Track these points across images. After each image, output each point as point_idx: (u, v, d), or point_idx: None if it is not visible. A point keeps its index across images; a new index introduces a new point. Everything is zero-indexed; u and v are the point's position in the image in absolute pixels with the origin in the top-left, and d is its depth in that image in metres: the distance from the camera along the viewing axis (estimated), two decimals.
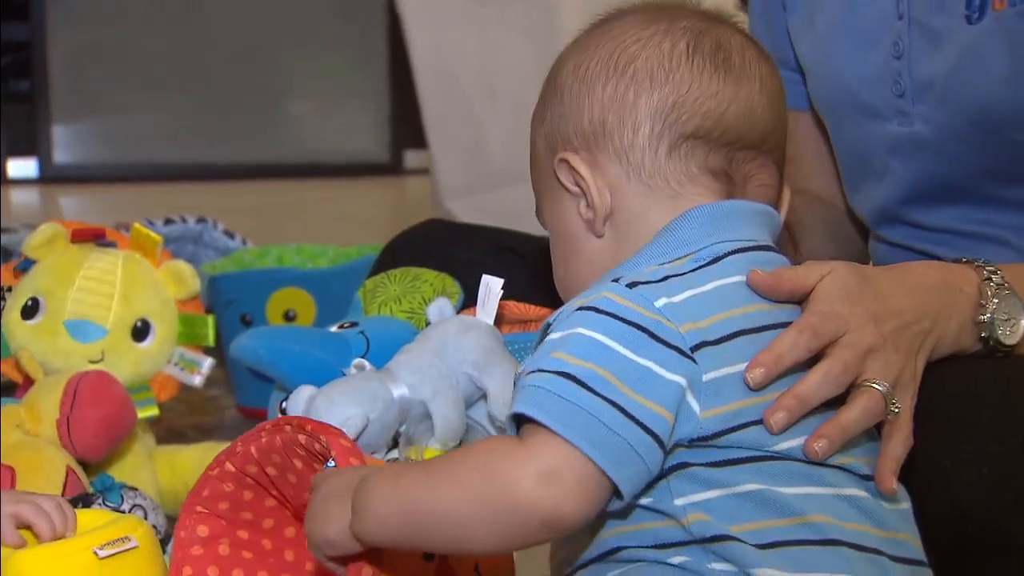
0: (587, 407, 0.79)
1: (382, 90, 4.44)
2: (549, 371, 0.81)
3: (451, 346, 1.15)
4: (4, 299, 1.39)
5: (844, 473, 0.84)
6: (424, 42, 2.91)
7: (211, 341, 1.46)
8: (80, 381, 1.34)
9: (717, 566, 0.81)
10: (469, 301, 1.30)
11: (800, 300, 0.88)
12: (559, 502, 0.78)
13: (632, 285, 0.84)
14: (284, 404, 1.22)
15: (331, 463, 0.88)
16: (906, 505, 0.87)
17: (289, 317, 1.82)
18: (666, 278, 0.85)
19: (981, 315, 0.94)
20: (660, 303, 0.83)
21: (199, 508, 0.99)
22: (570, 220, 0.94)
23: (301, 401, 1.13)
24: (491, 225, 1.43)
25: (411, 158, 4.38)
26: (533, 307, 1.26)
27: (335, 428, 0.92)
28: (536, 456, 0.79)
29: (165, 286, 1.44)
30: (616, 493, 0.80)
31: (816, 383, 0.84)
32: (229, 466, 0.97)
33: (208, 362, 1.47)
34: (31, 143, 4.18)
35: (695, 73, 0.90)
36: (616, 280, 0.85)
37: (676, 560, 0.82)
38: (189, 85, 4.32)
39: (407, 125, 4.13)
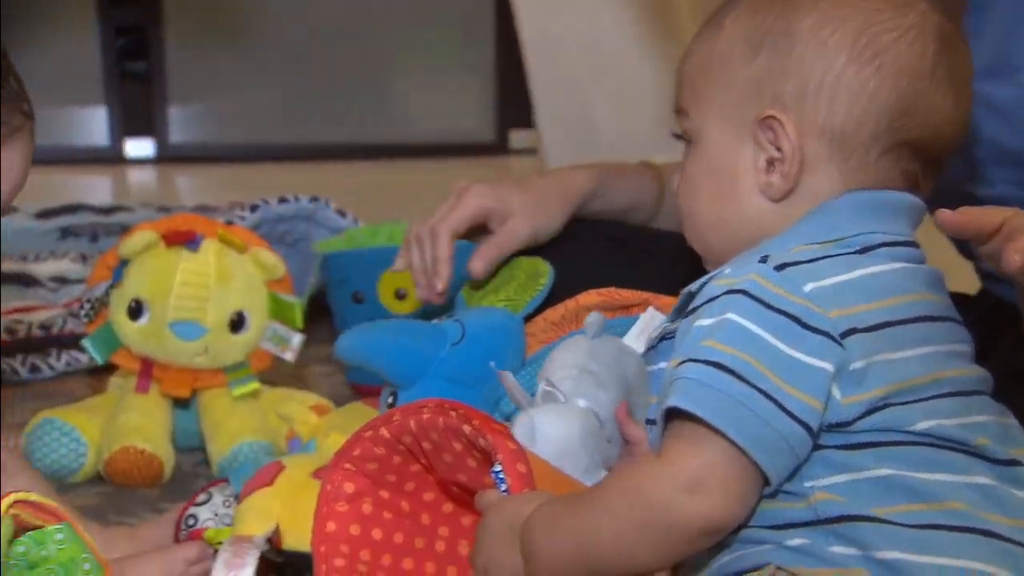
0: (742, 398, 0.79)
1: (488, 69, 4.44)
2: (701, 360, 0.81)
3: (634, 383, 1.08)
4: (84, 313, 1.50)
5: (975, 459, 0.83)
6: (534, 22, 2.92)
7: (300, 324, 1.54)
8: None
9: (838, 549, 0.80)
10: (561, 290, 1.31)
11: (986, 239, 0.87)
12: (710, 510, 0.78)
13: (780, 267, 0.83)
14: (391, 399, 1.25)
15: (497, 466, 0.88)
16: None
17: (400, 295, 1.83)
18: (814, 260, 0.84)
19: None
20: (808, 288, 0.82)
21: (347, 466, 0.99)
22: (740, 167, 0.91)
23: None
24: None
25: (516, 138, 4.38)
26: (636, 292, 1.28)
27: (501, 425, 0.91)
28: (676, 469, 0.79)
29: (255, 272, 1.52)
30: (764, 482, 0.80)
31: None
32: (384, 432, 0.97)
33: (298, 338, 1.53)
34: (148, 123, 4.25)
35: (933, 87, 0.88)
36: (764, 259, 0.84)
37: (794, 543, 0.81)
38: (299, 66, 4.37)
39: (513, 105, 4.13)
